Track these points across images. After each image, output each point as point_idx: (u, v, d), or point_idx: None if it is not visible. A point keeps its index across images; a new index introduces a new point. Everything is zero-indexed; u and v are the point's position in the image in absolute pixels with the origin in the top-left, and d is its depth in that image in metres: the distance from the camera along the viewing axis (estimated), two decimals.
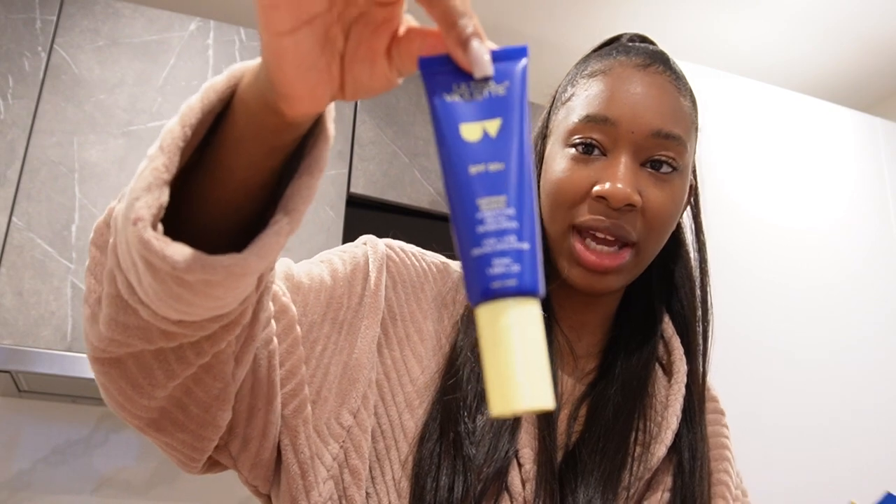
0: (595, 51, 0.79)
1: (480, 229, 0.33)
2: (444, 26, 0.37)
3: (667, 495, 0.71)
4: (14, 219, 1.79)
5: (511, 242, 0.33)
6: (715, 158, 1.99)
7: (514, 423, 0.66)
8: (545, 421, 0.68)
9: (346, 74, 0.40)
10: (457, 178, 0.34)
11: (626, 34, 0.80)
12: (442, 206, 2.16)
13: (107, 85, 1.95)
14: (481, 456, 0.63)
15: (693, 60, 2.26)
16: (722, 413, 0.83)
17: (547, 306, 0.74)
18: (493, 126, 0.35)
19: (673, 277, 0.79)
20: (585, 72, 0.74)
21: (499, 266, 0.33)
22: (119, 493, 2.05)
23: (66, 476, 2.02)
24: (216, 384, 0.53)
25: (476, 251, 0.33)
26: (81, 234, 1.83)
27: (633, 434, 0.71)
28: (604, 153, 0.69)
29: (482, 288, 0.33)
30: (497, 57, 0.37)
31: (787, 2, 2.26)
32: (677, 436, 0.72)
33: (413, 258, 0.74)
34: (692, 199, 0.79)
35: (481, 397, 0.66)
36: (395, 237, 0.79)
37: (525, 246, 0.33)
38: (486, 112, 0.35)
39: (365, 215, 2.11)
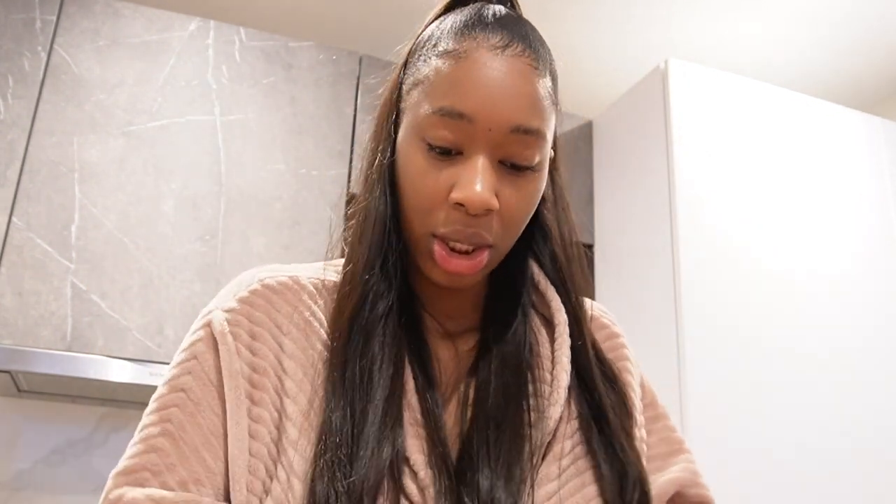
0: (446, 11, 0.74)
1: None
2: None
3: (568, 443, 0.70)
4: (14, 219, 1.79)
5: None
6: (714, 157, 1.99)
7: (395, 427, 0.64)
8: (430, 418, 0.66)
9: None
10: None
11: None
12: None
13: (107, 85, 1.95)
14: (364, 471, 0.61)
15: (693, 60, 2.26)
16: (617, 335, 0.82)
17: (413, 296, 0.73)
18: None
19: (533, 236, 0.77)
20: (439, 49, 0.68)
21: None
22: None
23: (66, 476, 2.02)
24: None
25: None
26: (81, 234, 1.83)
27: (525, 402, 0.69)
28: (460, 151, 0.66)
29: None
30: None
31: (787, 2, 2.26)
32: (571, 385, 0.71)
33: (262, 299, 0.70)
34: (551, 163, 0.76)
35: (361, 411, 0.64)
36: None
37: None
38: None
39: None
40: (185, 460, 0.64)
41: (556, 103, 0.71)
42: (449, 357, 0.74)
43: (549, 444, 0.69)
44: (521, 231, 0.71)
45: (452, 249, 0.67)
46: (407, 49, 0.75)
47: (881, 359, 1.97)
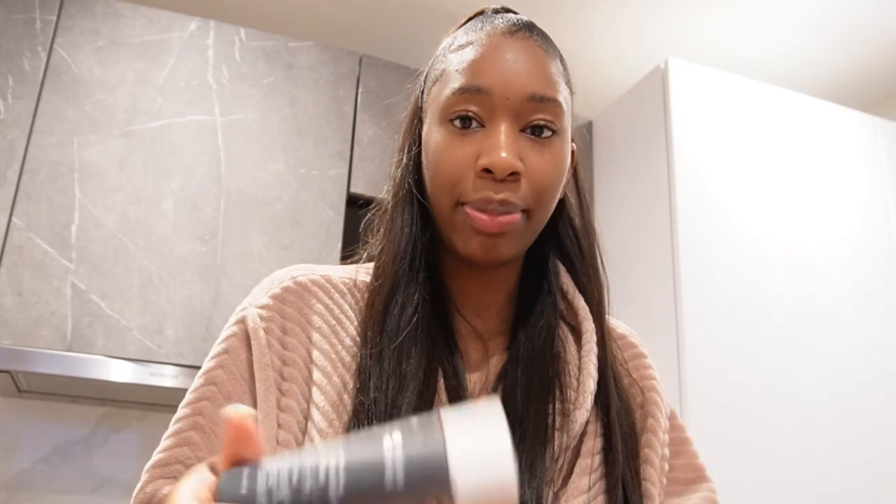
0: (459, 27, 0.78)
1: None
2: None
3: (597, 458, 0.71)
4: (14, 219, 1.79)
5: None
6: (714, 157, 1.99)
7: None
8: None
9: None
10: None
11: (489, 7, 0.79)
12: None
13: (107, 85, 1.95)
14: None
15: (693, 60, 2.26)
16: (644, 356, 0.83)
17: (445, 293, 0.75)
18: None
19: (562, 242, 0.79)
20: (453, 46, 0.73)
21: None
22: (119, 493, 2.05)
23: (66, 476, 2.02)
24: None
25: None
26: (81, 234, 1.83)
27: (552, 405, 0.70)
28: (482, 124, 0.69)
29: None
30: None
31: (787, 2, 2.26)
32: (596, 396, 0.72)
33: (294, 296, 0.73)
34: (573, 162, 0.78)
35: (393, 404, 0.66)
36: None
37: None
38: None
39: (365, 215, 2.10)
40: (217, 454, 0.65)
41: (569, 87, 0.74)
42: (479, 358, 0.75)
43: (577, 455, 0.70)
44: (555, 201, 0.72)
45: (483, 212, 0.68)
46: (425, 69, 0.78)
47: (882, 359, 1.97)
